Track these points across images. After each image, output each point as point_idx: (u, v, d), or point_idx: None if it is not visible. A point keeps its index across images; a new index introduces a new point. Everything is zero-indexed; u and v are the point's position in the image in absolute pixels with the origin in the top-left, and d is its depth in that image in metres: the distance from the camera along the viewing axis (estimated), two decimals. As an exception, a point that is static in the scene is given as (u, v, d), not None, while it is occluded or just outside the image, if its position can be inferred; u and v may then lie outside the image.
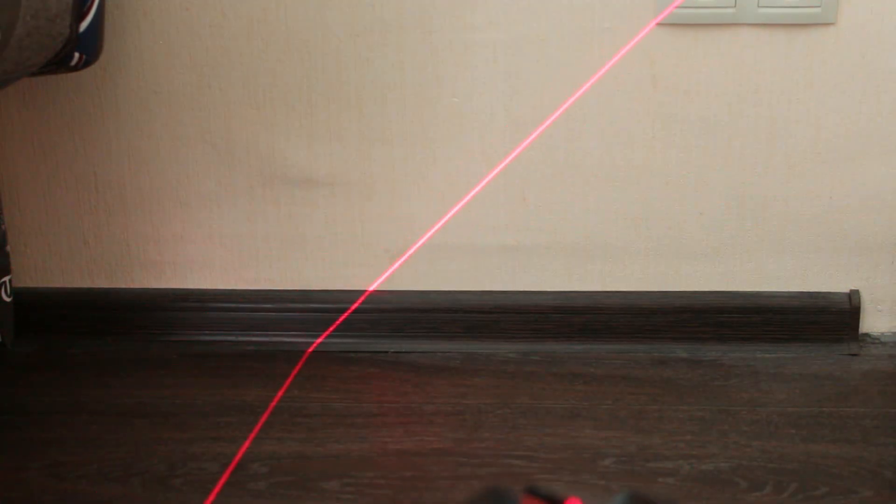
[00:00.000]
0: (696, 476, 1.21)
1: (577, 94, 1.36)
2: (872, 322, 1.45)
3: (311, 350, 1.45)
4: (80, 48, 1.21)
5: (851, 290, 1.43)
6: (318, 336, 1.46)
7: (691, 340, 1.44)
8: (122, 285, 1.49)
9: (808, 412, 1.31)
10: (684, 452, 1.25)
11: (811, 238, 1.41)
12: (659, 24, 1.33)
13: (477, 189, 1.40)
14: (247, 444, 1.28)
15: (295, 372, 1.41)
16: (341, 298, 1.46)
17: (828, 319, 1.43)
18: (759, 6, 1.31)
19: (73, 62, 1.22)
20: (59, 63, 1.20)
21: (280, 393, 1.37)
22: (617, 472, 1.22)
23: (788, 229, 1.41)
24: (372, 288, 1.45)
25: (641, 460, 1.24)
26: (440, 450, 1.26)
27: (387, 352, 1.45)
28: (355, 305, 1.45)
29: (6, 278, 1.29)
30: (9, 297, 1.30)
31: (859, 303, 1.42)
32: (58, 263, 1.48)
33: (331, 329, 1.45)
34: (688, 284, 1.44)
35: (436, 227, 1.43)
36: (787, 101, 1.35)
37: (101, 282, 1.48)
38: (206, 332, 1.48)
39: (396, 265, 1.43)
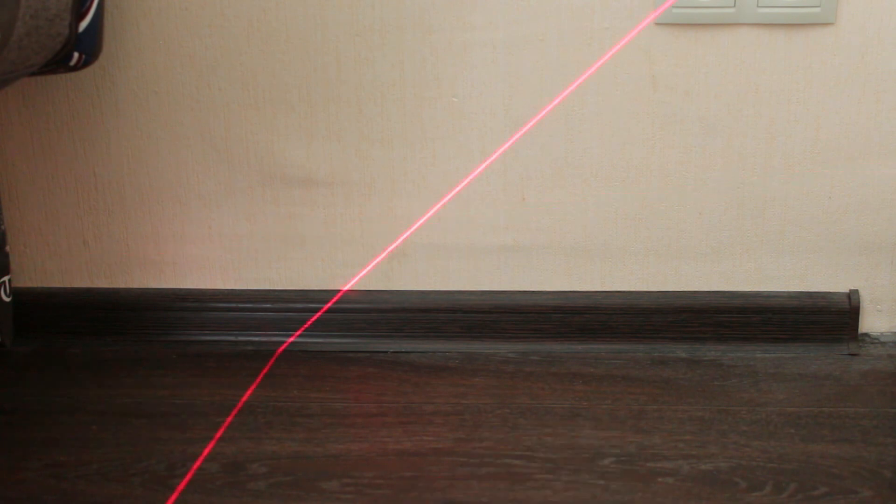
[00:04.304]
0: (696, 476, 1.21)
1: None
2: (872, 322, 1.45)
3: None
4: (79, 48, 1.21)
5: (851, 290, 1.43)
6: (316, 336, 1.46)
7: (691, 340, 1.44)
8: (122, 285, 1.49)
9: (807, 412, 1.31)
10: (684, 452, 1.25)
11: (811, 238, 1.41)
12: (658, 24, 1.33)
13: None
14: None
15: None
16: (340, 298, 1.46)
17: (827, 319, 1.43)
18: (758, 6, 1.31)
19: (73, 62, 1.22)
20: (58, 63, 1.20)
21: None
22: (616, 472, 1.22)
23: (788, 229, 1.41)
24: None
25: (641, 460, 1.24)
26: (440, 450, 1.26)
27: (386, 352, 1.45)
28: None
29: (6, 278, 1.29)
30: (8, 297, 1.30)
31: (859, 303, 1.42)
32: (57, 263, 1.48)
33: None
34: (687, 284, 1.44)
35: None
36: (786, 101, 1.35)
37: (101, 282, 1.49)
38: (206, 332, 1.48)
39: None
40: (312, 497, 1.20)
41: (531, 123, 1.37)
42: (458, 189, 1.41)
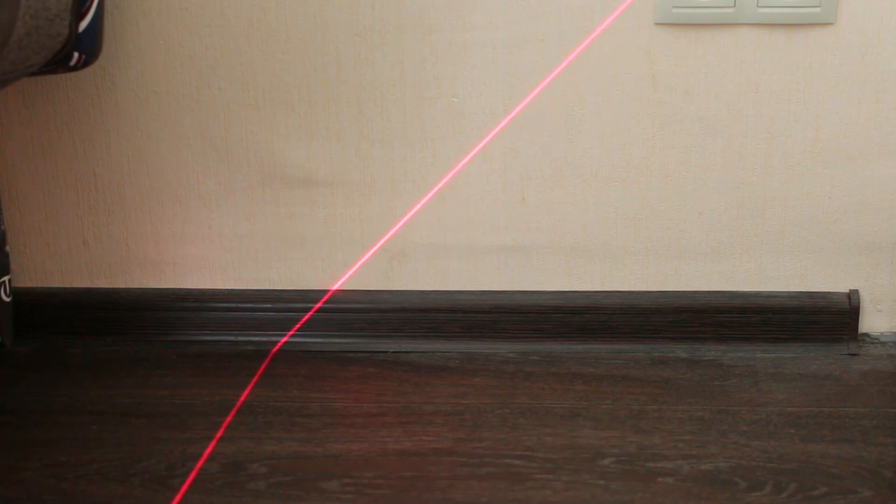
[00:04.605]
0: (696, 476, 1.21)
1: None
2: (872, 322, 1.45)
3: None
4: (79, 48, 1.21)
5: (851, 290, 1.43)
6: (317, 335, 1.46)
7: (690, 340, 1.44)
8: (122, 285, 1.49)
9: (807, 412, 1.31)
10: (684, 452, 1.25)
11: (811, 238, 1.41)
12: (658, 24, 1.33)
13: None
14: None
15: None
16: (340, 298, 1.46)
17: (827, 319, 1.43)
18: (758, 6, 1.31)
19: (73, 62, 1.22)
20: (58, 63, 1.20)
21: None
22: (616, 472, 1.22)
23: (788, 229, 1.41)
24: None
25: (641, 460, 1.24)
26: (440, 450, 1.26)
27: (386, 352, 1.45)
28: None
29: (6, 278, 1.29)
30: (8, 297, 1.30)
31: (859, 303, 1.42)
32: (57, 263, 1.48)
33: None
34: (687, 284, 1.44)
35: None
36: (786, 101, 1.35)
37: (101, 282, 1.49)
38: (206, 332, 1.48)
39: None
40: (312, 497, 1.20)
41: (531, 123, 1.37)
42: (457, 189, 1.41)
